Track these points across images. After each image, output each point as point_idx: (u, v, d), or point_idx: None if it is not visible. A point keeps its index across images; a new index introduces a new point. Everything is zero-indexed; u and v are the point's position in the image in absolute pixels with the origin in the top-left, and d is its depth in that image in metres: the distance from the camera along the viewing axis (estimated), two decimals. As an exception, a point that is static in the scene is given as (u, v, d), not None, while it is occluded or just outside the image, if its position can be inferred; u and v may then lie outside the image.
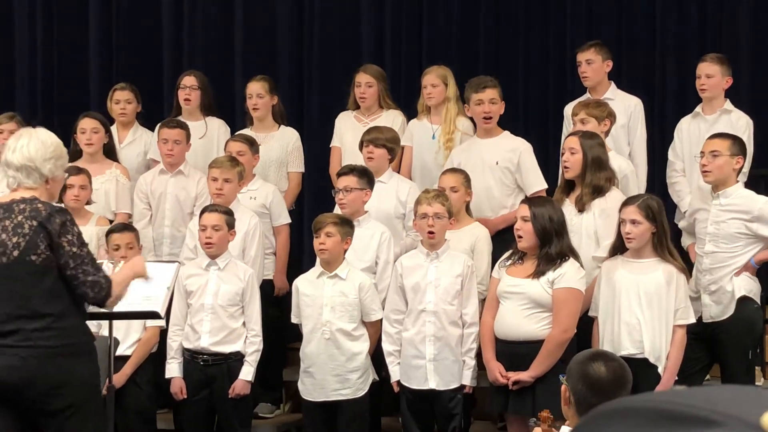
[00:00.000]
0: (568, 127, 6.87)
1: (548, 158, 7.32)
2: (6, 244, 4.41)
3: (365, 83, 7.20)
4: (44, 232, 4.39)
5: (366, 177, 6.35)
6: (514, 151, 6.67)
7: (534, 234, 5.65)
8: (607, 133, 6.47)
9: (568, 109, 6.94)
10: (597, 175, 5.99)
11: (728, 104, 6.83)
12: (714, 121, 6.73)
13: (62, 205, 4.79)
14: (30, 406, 4.43)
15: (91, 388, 4.60)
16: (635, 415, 0.84)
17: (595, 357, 3.66)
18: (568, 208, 5.95)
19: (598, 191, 5.99)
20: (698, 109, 6.89)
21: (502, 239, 6.42)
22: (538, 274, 5.63)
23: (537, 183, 6.64)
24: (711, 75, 6.75)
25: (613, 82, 7.17)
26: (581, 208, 5.98)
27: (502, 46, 8.31)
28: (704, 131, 6.49)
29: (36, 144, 4.52)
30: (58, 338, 4.42)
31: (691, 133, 6.76)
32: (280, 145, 7.30)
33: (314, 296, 6.02)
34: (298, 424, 6.55)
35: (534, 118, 8.20)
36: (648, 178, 6.94)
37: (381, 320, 6.05)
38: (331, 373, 5.95)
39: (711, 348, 6.00)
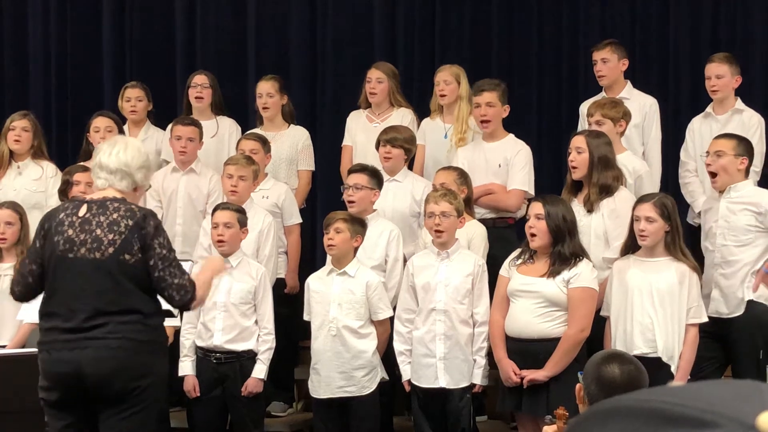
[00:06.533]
0: (583, 125, 6.83)
1: (562, 158, 7.29)
2: (101, 240, 4.44)
3: (376, 79, 7.21)
4: (139, 233, 4.44)
5: (376, 178, 6.38)
6: (514, 151, 6.66)
7: (548, 232, 5.64)
8: (622, 133, 6.44)
9: (584, 107, 6.92)
10: (604, 174, 5.97)
11: (739, 103, 6.79)
12: (726, 121, 6.70)
13: (152, 209, 4.88)
14: (107, 400, 4.41)
15: (163, 389, 4.64)
16: (630, 415, 0.82)
17: (611, 358, 3.64)
18: (577, 208, 5.93)
19: (606, 190, 5.97)
20: (709, 109, 6.86)
21: (502, 237, 6.42)
22: (553, 273, 5.63)
23: (519, 182, 6.61)
24: (721, 75, 6.72)
25: (629, 81, 7.13)
26: (590, 208, 5.97)
27: (515, 45, 8.29)
28: (716, 131, 6.45)
29: (132, 151, 4.62)
30: (145, 333, 4.46)
31: (703, 133, 6.71)
32: (291, 144, 7.31)
33: (323, 293, 6.03)
34: (310, 422, 6.54)
35: (548, 117, 8.19)
36: (662, 178, 6.91)
37: (389, 319, 6.06)
38: (336, 370, 5.96)
39: (724, 347, 5.97)
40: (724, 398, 0.80)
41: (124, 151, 4.60)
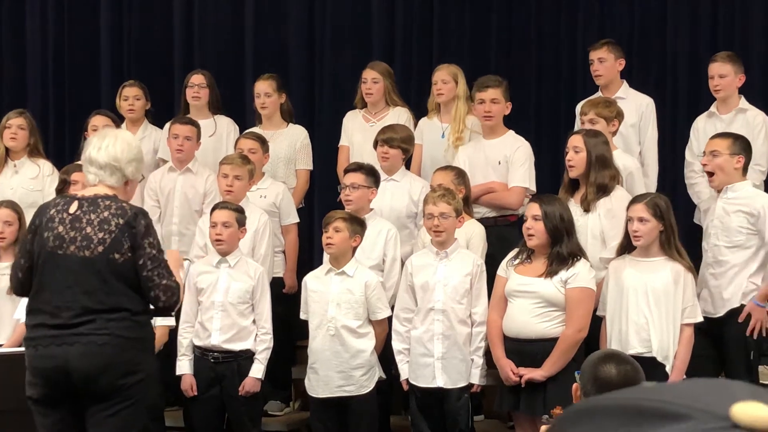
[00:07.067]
0: (579, 125, 6.83)
1: (561, 158, 7.29)
2: (91, 238, 4.42)
3: (371, 79, 7.23)
4: (129, 232, 4.41)
5: (373, 176, 6.39)
6: (513, 148, 6.67)
7: (545, 233, 5.65)
8: (614, 133, 6.45)
9: (579, 107, 6.92)
10: (601, 174, 5.98)
11: (743, 102, 6.78)
12: (730, 121, 6.68)
13: (143, 207, 4.82)
14: (93, 396, 4.40)
15: (152, 386, 4.62)
16: (605, 413, 0.83)
17: (608, 359, 3.64)
18: (573, 207, 5.94)
19: (603, 190, 5.97)
20: (713, 108, 6.84)
21: (504, 237, 6.43)
22: (550, 273, 5.63)
23: (520, 179, 6.62)
24: (724, 75, 6.71)
25: (625, 81, 7.14)
26: (587, 207, 5.97)
27: (515, 45, 8.29)
28: (720, 130, 6.42)
29: (122, 144, 4.57)
30: (133, 330, 4.44)
31: (707, 132, 6.66)
32: (289, 143, 7.33)
33: (321, 292, 6.04)
34: (307, 421, 6.55)
35: (546, 118, 8.19)
36: (658, 178, 6.91)
37: (387, 319, 6.06)
38: (334, 369, 5.96)
39: (719, 346, 5.97)
40: (696, 393, 0.82)
41: (113, 144, 4.55)
